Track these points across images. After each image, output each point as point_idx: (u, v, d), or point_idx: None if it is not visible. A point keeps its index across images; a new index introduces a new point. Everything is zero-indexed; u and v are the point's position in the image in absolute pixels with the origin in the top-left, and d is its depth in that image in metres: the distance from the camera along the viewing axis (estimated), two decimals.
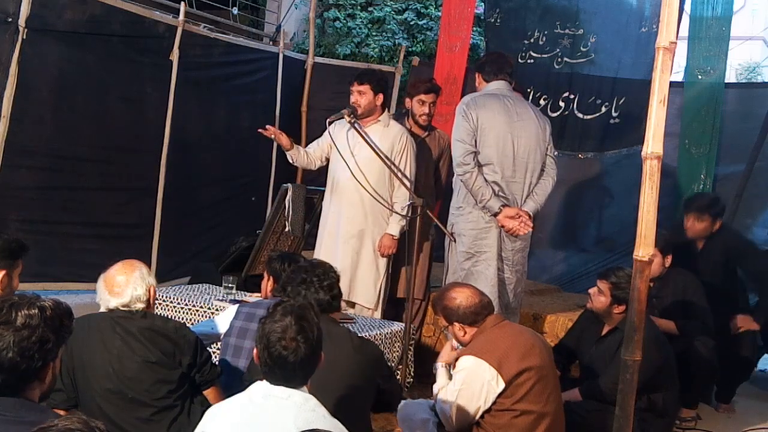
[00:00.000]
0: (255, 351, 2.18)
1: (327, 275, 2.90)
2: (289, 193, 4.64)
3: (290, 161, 4.70)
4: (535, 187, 4.26)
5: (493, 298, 3.99)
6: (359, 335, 3.21)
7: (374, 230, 4.49)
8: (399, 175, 4.26)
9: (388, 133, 4.47)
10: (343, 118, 4.26)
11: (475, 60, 5.70)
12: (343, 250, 4.46)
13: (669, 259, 4.49)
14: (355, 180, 4.25)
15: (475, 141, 4.14)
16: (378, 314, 4.48)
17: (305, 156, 4.65)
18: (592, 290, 3.82)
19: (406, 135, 4.52)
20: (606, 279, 3.75)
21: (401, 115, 4.99)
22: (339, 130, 4.47)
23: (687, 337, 4.26)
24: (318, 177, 4.82)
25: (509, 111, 4.19)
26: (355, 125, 4.23)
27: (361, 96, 4.44)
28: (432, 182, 4.91)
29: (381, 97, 4.48)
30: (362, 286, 4.49)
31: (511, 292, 4.27)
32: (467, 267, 4.19)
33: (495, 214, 4.13)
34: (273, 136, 4.57)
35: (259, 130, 4.56)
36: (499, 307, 4.05)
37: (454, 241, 4.24)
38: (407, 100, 4.90)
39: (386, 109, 4.61)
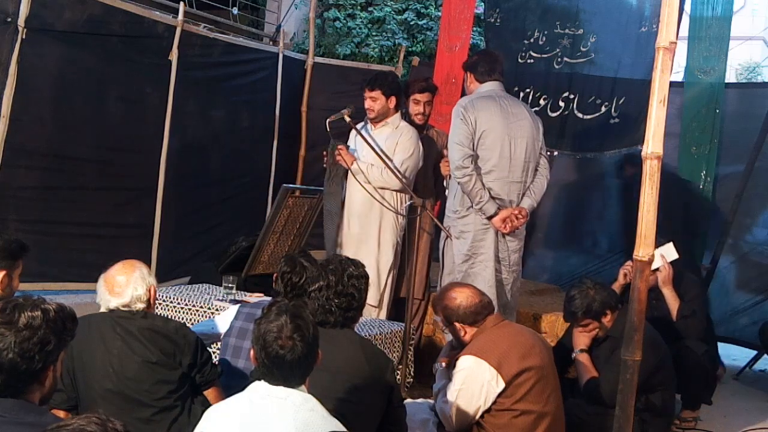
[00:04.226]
0: (252, 352, 2.18)
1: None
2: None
3: None
4: (531, 185, 4.28)
5: (492, 299, 4.00)
6: (371, 343, 3.17)
7: (373, 230, 4.50)
8: (399, 175, 4.29)
9: (395, 134, 4.52)
10: (342, 117, 4.28)
11: None
12: (346, 250, 4.50)
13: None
14: (356, 180, 4.29)
15: (473, 144, 4.14)
16: (384, 313, 4.50)
17: None
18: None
19: (408, 129, 4.55)
20: (579, 317, 3.68)
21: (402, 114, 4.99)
22: (353, 133, 4.54)
23: (681, 339, 4.24)
24: (318, 177, 4.82)
25: (506, 112, 4.20)
26: (361, 129, 4.26)
27: (374, 102, 4.51)
28: (431, 182, 4.91)
29: (394, 99, 4.54)
30: None
31: (509, 292, 4.29)
32: (464, 269, 4.20)
33: (490, 217, 4.14)
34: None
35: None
36: (497, 308, 4.05)
37: (452, 238, 4.25)
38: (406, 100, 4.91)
39: (399, 111, 4.64)
